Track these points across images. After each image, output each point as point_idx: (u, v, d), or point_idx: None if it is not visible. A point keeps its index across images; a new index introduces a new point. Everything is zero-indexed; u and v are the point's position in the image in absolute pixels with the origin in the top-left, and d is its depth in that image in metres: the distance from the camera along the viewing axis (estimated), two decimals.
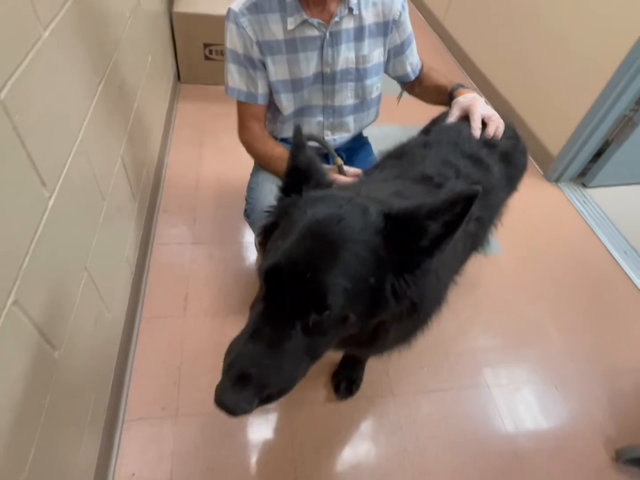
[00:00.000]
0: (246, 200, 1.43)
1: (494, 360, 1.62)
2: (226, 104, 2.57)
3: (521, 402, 1.52)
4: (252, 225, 1.43)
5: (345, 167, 1.31)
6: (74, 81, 1.06)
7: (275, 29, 1.20)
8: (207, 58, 2.61)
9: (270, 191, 1.37)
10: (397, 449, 1.36)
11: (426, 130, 1.32)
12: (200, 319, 1.59)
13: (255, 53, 1.22)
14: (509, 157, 1.23)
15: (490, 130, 1.17)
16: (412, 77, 1.45)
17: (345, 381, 1.43)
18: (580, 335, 1.74)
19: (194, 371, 1.45)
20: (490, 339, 1.69)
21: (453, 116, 1.24)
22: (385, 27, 1.31)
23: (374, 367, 1.52)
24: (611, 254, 2.07)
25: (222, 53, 2.59)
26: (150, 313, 1.58)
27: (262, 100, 1.32)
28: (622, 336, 1.77)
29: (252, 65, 1.25)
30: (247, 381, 0.63)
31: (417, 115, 1.51)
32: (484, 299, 1.82)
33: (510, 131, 1.29)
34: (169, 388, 1.40)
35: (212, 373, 1.44)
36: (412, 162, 1.06)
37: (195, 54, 2.60)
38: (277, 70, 1.26)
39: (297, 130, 0.76)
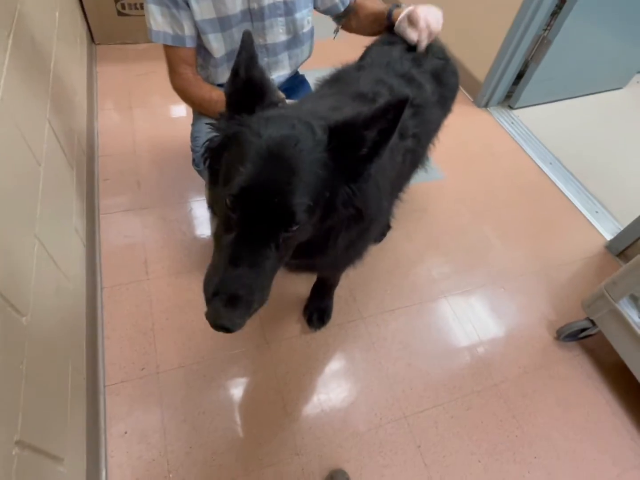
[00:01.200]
0: (192, 150, 1.39)
1: (447, 273, 1.76)
2: (150, 62, 2.46)
3: (475, 306, 1.68)
4: (202, 173, 1.41)
5: (288, 102, 1.30)
6: None
7: None
8: (120, 14, 2.41)
9: None
10: (373, 364, 1.47)
11: (361, 59, 1.34)
12: (165, 280, 1.58)
13: None
14: (439, 77, 1.28)
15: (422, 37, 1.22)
16: (341, 8, 1.43)
17: (317, 312, 1.51)
18: (520, 241, 1.93)
19: (167, 329, 1.46)
20: (443, 256, 1.83)
21: (413, 34, 1.23)
22: None
23: (342, 296, 1.61)
24: (539, 167, 2.27)
25: (137, 7, 2.40)
26: (111, 282, 1.54)
27: (190, 43, 1.26)
28: (554, 236, 1.98)
29: (175, 4, 1.18)
30: (237, 301, 0.68)
31: (354, 54, 1.51)
32: (433, 221, 1.94)
33: (440, 52, 1.34)
34: (146, 349, 1.41)
35: (186, 328, 1.47)
36: (347, 83, 1.10)
37: (106, 10, 2.38)
38: (202, 8, 1.20)
39: (248, 36, 0.73)
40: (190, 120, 1.49)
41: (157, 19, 1.20)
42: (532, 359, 1.56)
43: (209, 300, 0.70)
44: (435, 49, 1.29)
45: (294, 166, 0.68)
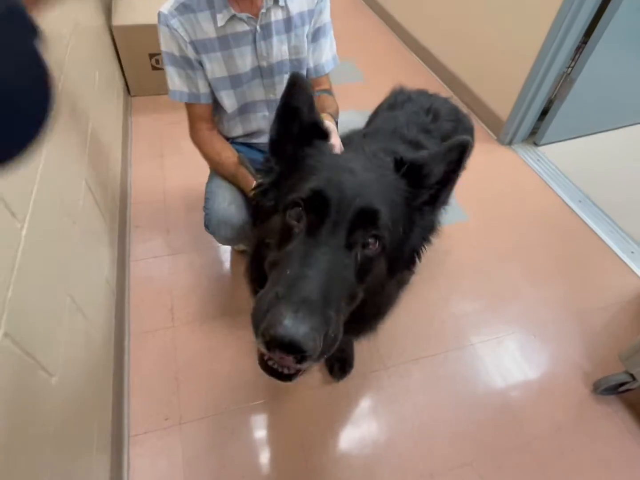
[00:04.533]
0: (204, 209, 1.45)
1: (474, 320, 1.71)
2: (181, 111, 2.56)
3: (504, 355, 1.62)
4: (213, 235, 1.45)
5: None
6: None
7: (207, 27, 1.23)
8: (154, 68, 2.58)
9: (223, 199, 1.39)
10: (397, 418, 1.43)
11: (367, 125, 1.36)
12: (190, 326, 1.61)
13: (190, 53, 1.25)
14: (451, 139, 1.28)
15: None
16: (313, 75, 1.43)
17: (338, 362, 1.49)
18: (550, 285, 1.86)
19: (191, 378, 1.48)
20: (469, 302, 1.78)
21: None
22: (310, 15, 1.34)
23: (364, 344, 1.58)
24: (568, 205, 2.21)
25: None
26: (138, 329, 1.59)
27: (205, 100, 1.35)
28: (587, 279, 1.90)
29: (190, 65, 1.27)
30: (311, 307, 0.53)
31: (375, 99, 1.55)
32: (457, 265, 1.91)
33: (452, 114, 1.34)
34: (169, 398, 1.43)
35: (209, 376, 1.48)
36: (352, 150, 1.10)
37: (141, 66, 2.56)
38: (214, 68, 1.29)
39: (299, 79, 0.74)
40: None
41: (175, 80, 1.31)
42: (567, 414, 1.48)
43: (264, 320, 0.53)
44: (446, 112, 1.30)
45: (369, 180, 0.67)
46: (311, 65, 1.43)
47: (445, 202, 0.74)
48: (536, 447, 1.39)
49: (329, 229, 0.60)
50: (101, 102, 1.90)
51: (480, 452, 1.37)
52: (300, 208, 0.63)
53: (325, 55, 1.43)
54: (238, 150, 1.53)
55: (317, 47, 1.41)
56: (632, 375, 1.40)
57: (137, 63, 2.55)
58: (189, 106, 1.38)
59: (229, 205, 1.41)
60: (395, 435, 1.39)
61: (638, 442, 1.42)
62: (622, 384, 1.45)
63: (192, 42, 1.24)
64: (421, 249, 0.75)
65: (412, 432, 1.40)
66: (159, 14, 1.22)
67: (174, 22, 1.21)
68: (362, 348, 1.58)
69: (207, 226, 1.46)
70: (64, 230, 1.17)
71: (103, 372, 1.30)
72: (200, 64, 1.28)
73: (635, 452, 1.41)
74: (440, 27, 2.99)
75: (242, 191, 1.41)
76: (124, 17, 2.43)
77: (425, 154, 0.69)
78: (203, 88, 1.33)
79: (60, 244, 1.12)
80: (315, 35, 1.38)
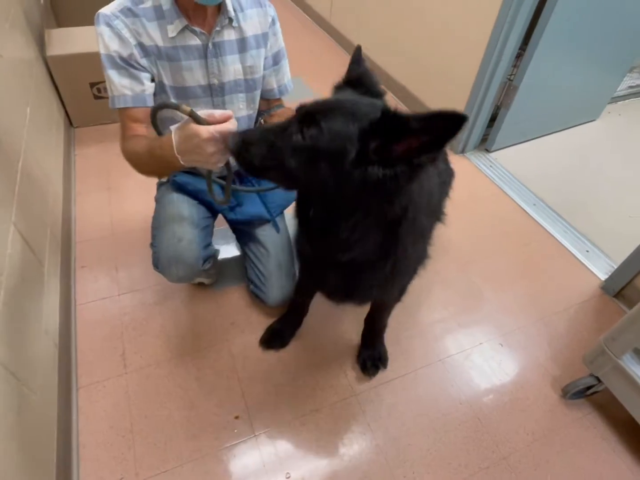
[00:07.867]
0: (151, 246, 1.36)
1: (440, 334, 1.69)
2: None
3: (473, 368, 1.59)
4: (163, 275, 1.37)
5: (205, 112, 0.90)
6: None
7: (155, 36, 1.15)
8: (97, 97, 2.47)
9: (172, 235, 1.32)
10: (370, 447, 1.37)
11: None
12: (144, 371, 1.50)
13: (136, 54, 1.14)
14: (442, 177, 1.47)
15: None
16: (277, 94, 1.44)
17: (370, 359, 1.52)
18: (512, 290, 1.87)
19: (147, 429, 1.36)
20: (435, 315, 1.76)
21: None
22: (264, 38, 1.32)
23: (332, 371, 1.53)
24: (523, 209, 2.24)
25: None
26: (87, 381, 1.46)
27: (150, 101, 1.21)
28: (547, 281, 1.92)
29: (134, 66, 1.15)
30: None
31: None
32: (418, 279, 1.88)
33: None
34: (124, 454, 1.31)
35: (166, 426, 1.38)
36: None
37: (83, 96, 2.44)
38: (161, 73, 1.21)
39: (358, 50, 1.00)
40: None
41: (116, 83, 1.15)
42: (540, 423, 1.46)
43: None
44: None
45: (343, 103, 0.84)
46: (275, 86, 1.42)
47: (415, 174, 0.74)
48: (512, 462, 1.36)
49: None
50: (36, 137, 1.79)
51: (458, 475, 1.32)
52: None
53: (286, 77, 1.45)
54: (184, 186, 1.46)
55: (279, 69, 1.41)
56: (597, 378, 1.40)
57: (78, 93, 2.43)
58: (128, 112, 1.18)
59: (179, 242, 1.33)
60: (369, 467, 1.32)
61: (610, 446, 1.42)
62: (589, 387, 1.45)
63: (137, 45, 1.14)
64: (374, 189, 0.77)
65: (386, 462, 1.34)
66: (98, 15, 1.10)
67: (118, 23, 1.10)
68: (330, 376, 1.52)
69: (155, 265, 1.38)
70: None
71: (43, 435, 1.18)
72: (146, 68, 1.18)
73: (608, 458, 1.40)
74: (386, 43, 3.03)
75: (197, 218, 1.39)
76: (59, 47, 2.32)
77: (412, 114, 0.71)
78: (149, 88, 1.19)
79: None
80: (276, 58, 1.39)
